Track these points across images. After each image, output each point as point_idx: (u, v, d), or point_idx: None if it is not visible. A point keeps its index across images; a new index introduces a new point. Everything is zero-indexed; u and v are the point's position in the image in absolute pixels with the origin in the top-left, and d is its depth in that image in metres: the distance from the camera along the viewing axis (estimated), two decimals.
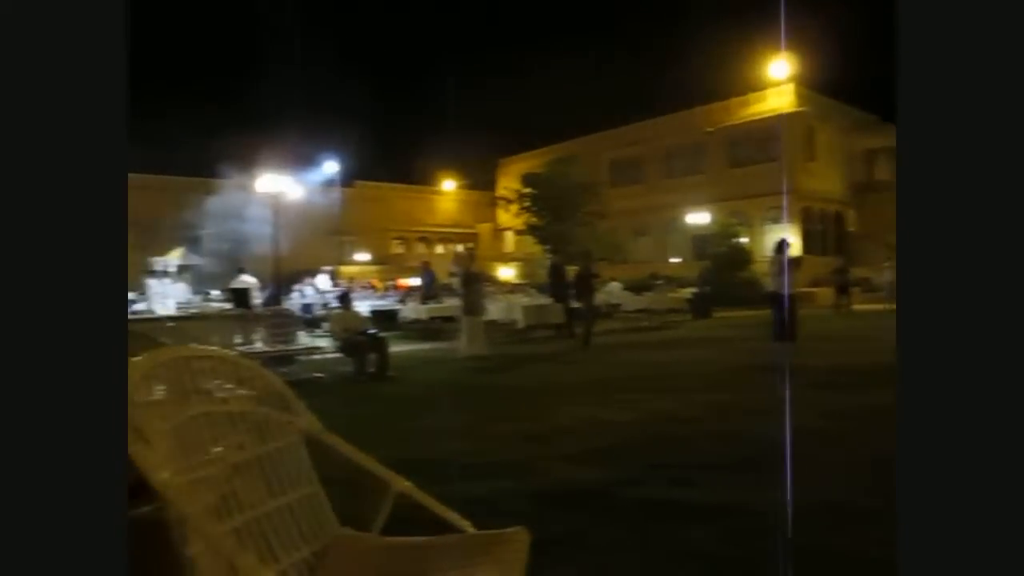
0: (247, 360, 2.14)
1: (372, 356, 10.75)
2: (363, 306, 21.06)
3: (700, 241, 26.03)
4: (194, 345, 2.00)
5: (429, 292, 21.20)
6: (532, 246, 38.61)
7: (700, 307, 22.16)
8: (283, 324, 11.04)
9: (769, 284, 12.32)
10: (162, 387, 1.88)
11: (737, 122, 39.41)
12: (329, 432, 2.19)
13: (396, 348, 13.11)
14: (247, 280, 16.97)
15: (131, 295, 21.77)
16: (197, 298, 20.72)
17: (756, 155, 37.77)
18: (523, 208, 35.66)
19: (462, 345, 13.23)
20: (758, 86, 38.65)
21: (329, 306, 19.82)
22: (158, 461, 1.65)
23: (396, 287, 27.96)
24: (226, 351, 2.13)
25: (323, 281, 23.45)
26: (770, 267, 12.18)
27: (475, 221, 55.67)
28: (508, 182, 45.25)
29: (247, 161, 26.84)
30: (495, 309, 17.86)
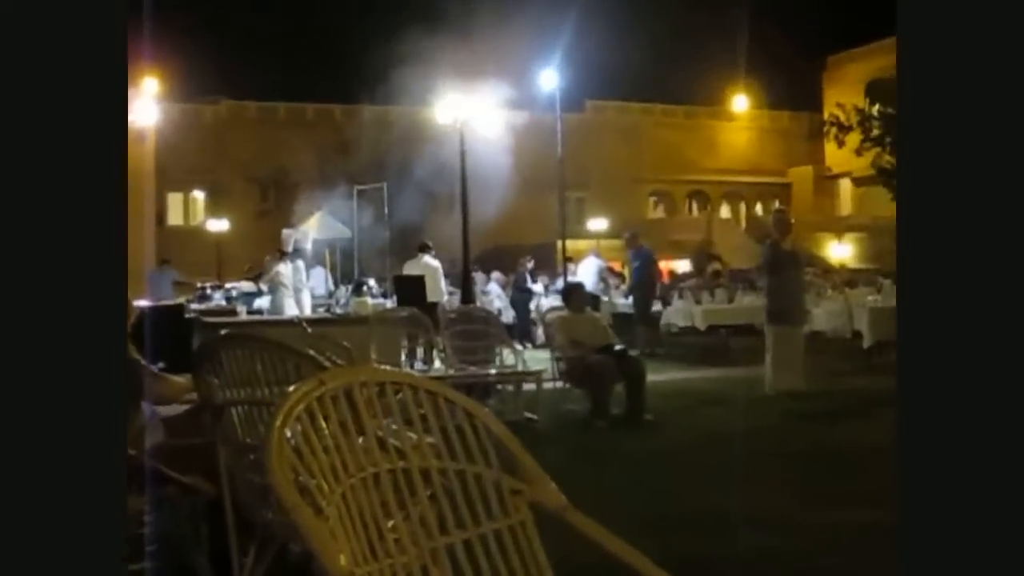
0: (454, 392, 2.27)
1: (617, 387, 10.93)
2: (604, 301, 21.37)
3: None
4: (376, 366, 2.17)
5: (639, 284, 20.82)
6: (885, 204, 37.24)
7: None
8: (477, 333, 11.50)
9: None
10: (331, 428, 2.05)
11: None
12: (576, 510, 2.27)
13: (656, 375, 13.20)
14: (430, 264, 17.77)
15: (249, 287, 23.62)
16: (343, 290, 22.14)
17: None
18: (869, 140, 34.46)
19: (767, 373, 13.07)
20: None
21: (541, 308, 20.29)
22: (334, 540, 1.80)
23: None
24: (421, 377, 2.28)
25: (589, 268, 23.21)
26: None
27: (785, 163, 54.75)
28: (840, 94, 43.98)
29: (421, 77, 28.14)
30: (821, 313, 17.45)
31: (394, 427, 2.26)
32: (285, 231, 19.08)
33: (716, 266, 30.60)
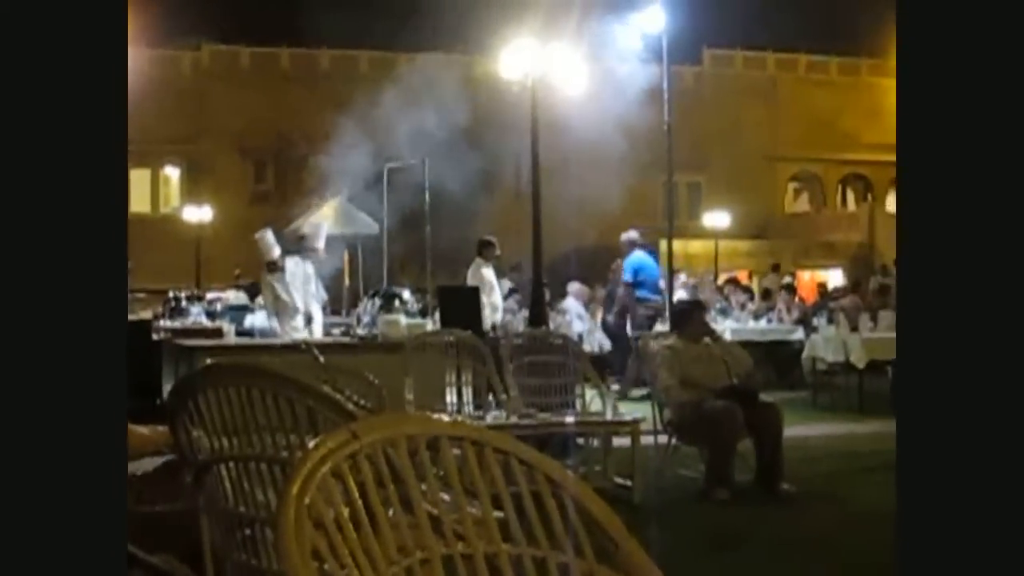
0: (531, 451, 2.28)
1: (745, 444, 10.88)
2: (723, 328, 21.27)
3: None
4: (419, 413, 2.19)
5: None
6: None
7: None
8: (552, 367, 11.48)
9: None
10: (367, 497, 2.06)
11: None
12: None
13: (797, 428, 13.11)
14: (484, 273, 18.01)
15: (239, 298, 23.71)
16: (368, 305, 22.06)
17: None
18: None
19: None
20: None
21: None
22: None
23: (794, 291, 27.94)
24: (487, 430, 2.28)
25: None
26: None
27: None
28: None
29: (479, 15, 28.11)
30: None
31: (449, 498, 2.27)
32: (258, 236, 18.33)
33: (881, 279, 30.35)
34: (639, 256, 22.05)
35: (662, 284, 22.90)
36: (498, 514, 2.29)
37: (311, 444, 2.09)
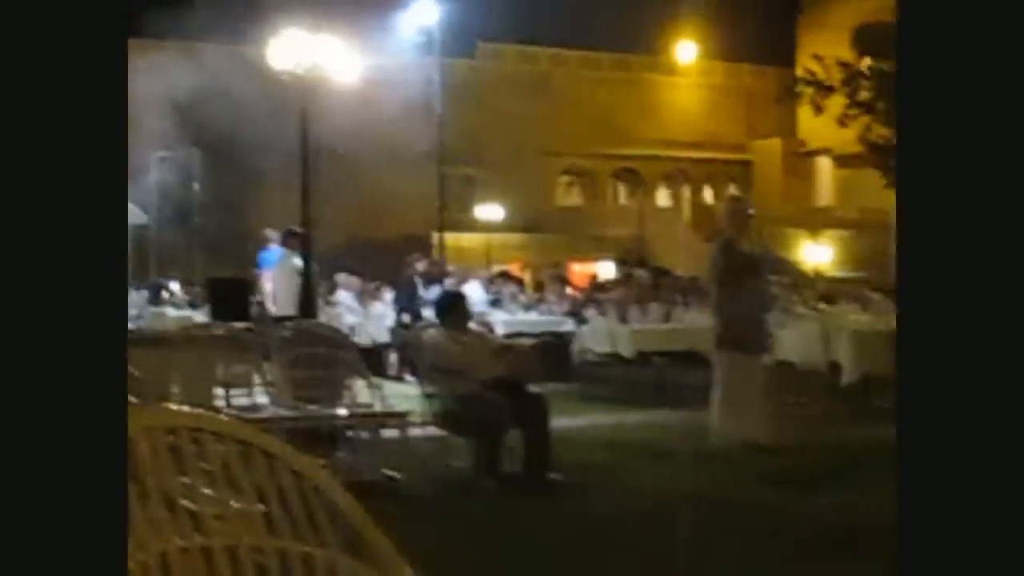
0: (273, 441, 2.25)
1: (514, 435, 10.93)
2: (495, 322, 21.38)
3: None
4: (171, 405, 2.17)
5: (408, 309, 21.25)
6: (877, 192, 37.89)
7: None
8: (321, 360, 11.41)
9: None
10: None
11: None
12: None
13: (565, 419, 13.20)
14: (294, 263, 18.11)
15: None
16: (134, 297, 21.70)
17: None
18: (856, 105, 35.01)
19: (714, 418, 13.17)
20: None
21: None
22: None
23: (566, 283, 28.27)
24: (231, 421, 2.26)
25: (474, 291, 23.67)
26: None
27: (745, 134, 55.33)
28: (819, 43, 44.64)
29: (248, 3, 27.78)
30: (792, 338, 17.64)
31: (191, 490, 2.24)
32: None
33: (644, 271, 30.86)
34: (275, 250, 22.36)
35: None
36: (241, 506, 2.27)
37: None
